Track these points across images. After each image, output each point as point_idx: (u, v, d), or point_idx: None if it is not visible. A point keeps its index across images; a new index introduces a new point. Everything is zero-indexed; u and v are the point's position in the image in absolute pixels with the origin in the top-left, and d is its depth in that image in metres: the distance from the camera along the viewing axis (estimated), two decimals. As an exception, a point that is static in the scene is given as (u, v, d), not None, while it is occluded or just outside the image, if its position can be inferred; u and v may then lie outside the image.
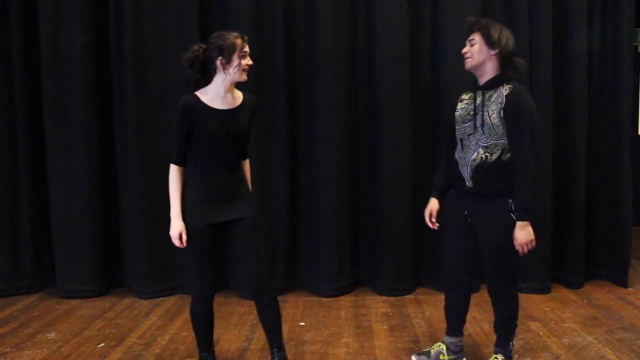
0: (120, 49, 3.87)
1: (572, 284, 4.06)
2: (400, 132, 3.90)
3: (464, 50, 2.57)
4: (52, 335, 3.32)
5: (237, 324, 3.44)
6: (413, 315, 3.60)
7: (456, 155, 2.63)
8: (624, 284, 4.06)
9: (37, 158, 4.05)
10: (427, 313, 3.60)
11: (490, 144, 2.49)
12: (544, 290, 3.96)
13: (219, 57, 2.42)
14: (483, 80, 2.55)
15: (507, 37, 2.50)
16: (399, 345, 3.13)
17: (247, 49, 2.46)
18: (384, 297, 3.94)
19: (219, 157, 2.49)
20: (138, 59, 3.86)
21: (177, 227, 2.46)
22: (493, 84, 2.52)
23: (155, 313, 3.69)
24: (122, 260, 4.15)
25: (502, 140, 2.47)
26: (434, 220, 2.78)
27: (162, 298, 3.96)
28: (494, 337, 3.17)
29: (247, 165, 2.70)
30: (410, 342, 3.16)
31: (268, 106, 3.88)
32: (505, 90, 2.47)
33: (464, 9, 3.83)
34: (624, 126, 4.04)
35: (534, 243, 2.47)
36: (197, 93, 2.47)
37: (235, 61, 2.42)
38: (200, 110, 2.44)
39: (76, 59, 3.86)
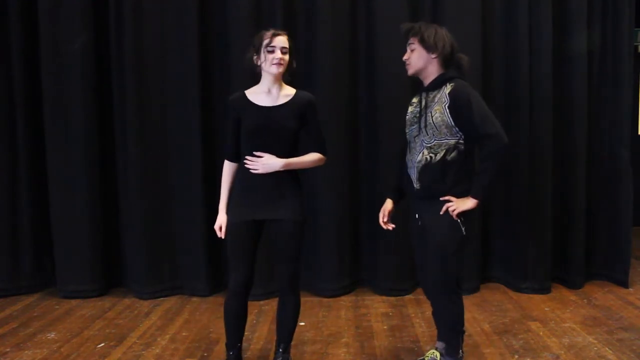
0: (120, 49, 3.87)
1: (572, 284, 4.05)
2: (401, 132, 3.89)
3: (405, 57, 2.59)
4: (52, 335, 3.32)
5: (237, 324, 3.44)
6: (413, 315, 3.60)
7: (406, 159, 2.65)
8: (624, 284, 4.06)
9: (37, 158, 4.05)
10: (427, 313, 3.59)
11: (434, 144, 2.49)
12: (544, 290, 3.96)
13: (254, 54, 2.53)
14: (427, 82, 2.58)
15: (443, 38, 2.51)
16: (399, 345, 3.13)
17: (275, 43, 2.48)
18: (384, 297, 3.94)
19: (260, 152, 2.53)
20: (138, 59, 3.85)
21: (218, 220, 2.60)
22: (436, 85, 2.54)
23: (155, 313, 3.69)
24: (122, 260, 4.15)
25: (445, 140, 2.48)
26: (385, 220, 2.78)
27: (162, 298, 3.96)
28: (494, 337, 3.19)
29: (314, 153, 2.64)
30: (410, 342, 3.16)
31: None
32: (447, 88, 2.49)
33: (463, 9, 3.84)
34: (624, 126, 4.05)
35: (457, 211, 2.44)
36: (247, 90, 2.58)
37: (262, 56, 2.49)
38: (243, 105, 2.54)
39: (76, 59, 3.85)
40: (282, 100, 2.56)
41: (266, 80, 2.54)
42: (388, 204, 2.80)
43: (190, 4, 3.83)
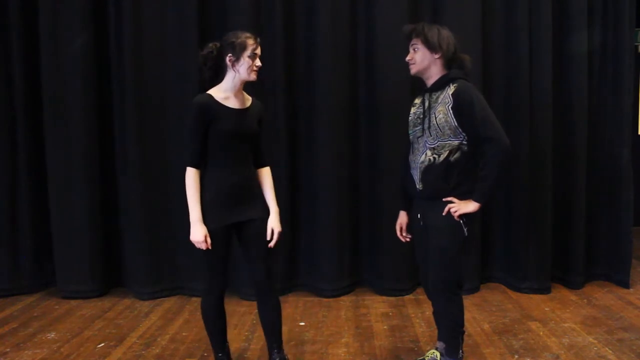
0: (120, 49, 3.87)
1: (573, 284, 4.05)
2: (401, 132, 3.85)
3: (408, 57, 2.58)
4: (52, 335, 3.32)
5: (237, 324, 3.44)
6: (413, 315, 3.60)
7: (409, 159, 2.64)
8: (624, 284, 4.06)
9: (37, 158, 4.05)
10: (427, 313, 3.59)
11: (437, 145, 2.49)
12: (544, 290, 3.96)
13: (229, 55, 2.45)
14: (430, 82, 2.57)
15: (447, 38, 2.51)
16: (399, 345, 3.13)
17: (258, 50, 2.48)
18: (384, 297, 3.94)
19: (233, 156, 2.50)
20: (138, 59, 3.85)
21: (200, 231, 2.44)
22: (439, 85, 2.53)
23: (155, 313, 3.69)
24: (122, 261, 4.15)
25: (448, 141, 2.47)
26: (404, 234, 2.82)
27: (162, 298, 3.96)
28: (494, 337, 3.19)
29: (268, 172, 2.69)
30: (410, 342, 3.16)
31: (268, 106, 3.87)
32: (451, 89, 2.48)
33: (464, 9, 3.84)
34: (624, 126, 4.04)
35: (459, 213, 2.43)
36: (210, 91, 2.50)
37: (244, 60, 2.44)
38: (215, 109, 2.45)
39: (76, 59, 3.86)
40: (248, 103, 2.57)
41: (235, 83, 2.48)
42: (403, 217, 2.82)
43: (190, 4, 3.83)
